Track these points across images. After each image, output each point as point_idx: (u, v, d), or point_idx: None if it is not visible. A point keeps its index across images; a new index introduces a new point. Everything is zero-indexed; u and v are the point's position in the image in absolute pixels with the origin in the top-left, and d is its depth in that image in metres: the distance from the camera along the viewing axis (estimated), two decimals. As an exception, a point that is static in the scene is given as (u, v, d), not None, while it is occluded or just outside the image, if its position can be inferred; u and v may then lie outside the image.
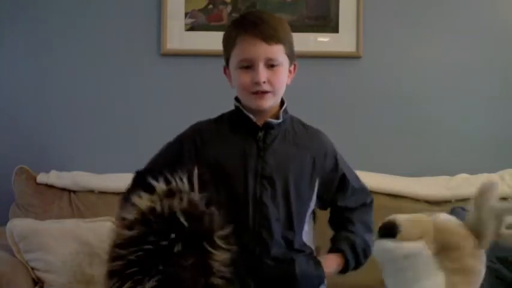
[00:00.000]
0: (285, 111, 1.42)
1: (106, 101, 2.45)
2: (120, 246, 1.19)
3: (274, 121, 1.39)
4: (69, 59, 2.44)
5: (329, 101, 2.42)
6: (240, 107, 1.41)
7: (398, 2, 2.45)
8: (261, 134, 1.38)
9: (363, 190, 1.50)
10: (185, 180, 1.25)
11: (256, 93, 1.35)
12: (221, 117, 1.47)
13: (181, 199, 1.22)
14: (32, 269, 1.98)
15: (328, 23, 2.42)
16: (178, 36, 2.43)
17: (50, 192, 2.25)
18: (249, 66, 1.34)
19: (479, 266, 1.04)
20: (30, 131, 2.44)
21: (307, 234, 1.43)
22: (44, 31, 2.44)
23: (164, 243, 1.16)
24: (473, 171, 2.31)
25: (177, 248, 1.16)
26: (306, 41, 2.39)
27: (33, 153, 2.40)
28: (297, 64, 1.44)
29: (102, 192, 2.24)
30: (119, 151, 2.43)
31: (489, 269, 1.55)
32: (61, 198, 2.24)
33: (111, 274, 1.19)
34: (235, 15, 2.40)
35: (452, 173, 2.32)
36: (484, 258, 1.05)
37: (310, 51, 2.36)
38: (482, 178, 2.26)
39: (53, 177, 2.27)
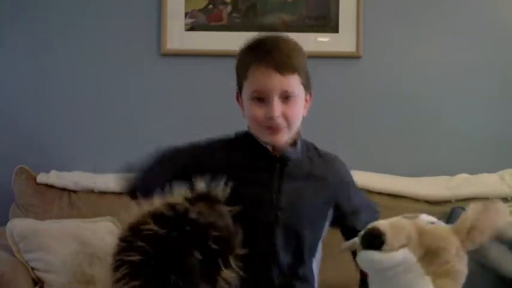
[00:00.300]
0: (300, 139, 1.36)
1: (106, 101, 2.45)
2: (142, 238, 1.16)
3: (291, 153, 1.31)
4: (69, 59, 2.44)
5: (329, 101, 2.42)
6: (257, 137, 1.32)
7: (398, 2, 2.45)
8: (278, 165, 1.31)
9: (371, 207, 1.48)
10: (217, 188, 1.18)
11: (270, 128, 1.26)
12: (230, 143, 1.38)
13: (211, 208, 1.15)
14: (32, 269, 1.98)
15: (328, 23, 2.42)
16: (178, 36, 2.43)
17: (50, 192, 2.25)
18: (262, 98, 1.25)
19: (464, 267, 1.03)
20: (30, 131, 2.44)
21: (318, 262, 1.41)
22: (44, 31, 2.44)
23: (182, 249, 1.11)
24: (473, 171, 2.31)
25: (194, 259, 1.11)
26: (306, 41, 2.35)
27: (33, 153, 2.40)
28: (313, 93, 1.37)
29: (102, 192, 2.24)
30: (119, 151, 2.43)
31: (489, 269, 1.56)
32: (61, 198, 2.24)
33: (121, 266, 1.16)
34: (235, 15, 2.41)
35: (452, 173, 2.32)
36: (466, 259, 1.04)
37: (310, 51, 2.27)
38: (482, 178, 2.27)
39: (53, 177, 2.27)
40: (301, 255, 1.33)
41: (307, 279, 1.36)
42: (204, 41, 2.41)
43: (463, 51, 2.44)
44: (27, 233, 1.99)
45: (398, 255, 1.01)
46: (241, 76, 1.30)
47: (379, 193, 2.15)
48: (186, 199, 1.15)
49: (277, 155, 1.30)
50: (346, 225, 1.42)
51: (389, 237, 1.01)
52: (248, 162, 1.32)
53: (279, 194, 1.30)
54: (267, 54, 1.24)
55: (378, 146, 2.43)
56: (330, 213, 1.39)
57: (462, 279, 1.04)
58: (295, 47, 1.31)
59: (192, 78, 2.44)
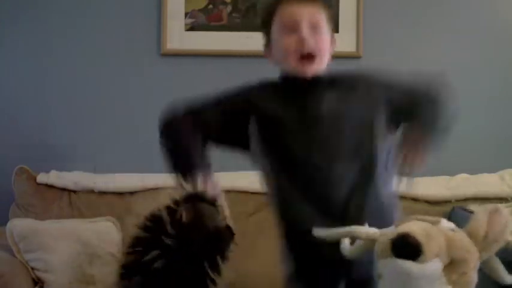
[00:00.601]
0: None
1: (106, 101, 2.45)
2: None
3: (319, 76, 1.31)
4: (69, 59, 2.44)
5: (329, 101, 2.42)
6: (286, 73, 1.34)
7: (398, 2, 2.45)
8: (310, 86, 1.31)
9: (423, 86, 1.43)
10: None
11: (302, 58, 1.28)
12: (262, 82, 1.40)
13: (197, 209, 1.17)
14: (32, 269, 1.98)
15: (328, 23, 2.42)
16: (178, 36, 2.42)
17: (50, 192, 2.25)
18: (292, 29, 1.28)
19: (476, 277, 1.02)
20: (30, 131, 2.44)
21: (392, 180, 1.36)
22: (44, 31, 2.44)
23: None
24: (473, 171, 2.31)
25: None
26: None
27: (33, 153, 2.39)
28: (335, 38, 1.38)
29: (102, 192, 2.24)
30: (119, 151, 2.43)
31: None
32: (61, 198, 2.24)
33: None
34: (235, 15, 2.40)
35: (452, 173, 2.32)
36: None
37: None
38: (482, 178, 2.27)
39: (53, 177, 2.27)
40: (369, 176, 1.28)
41: (379, 199, 1.29)
42: (204, 41, 2.41)
43: (463, 51, 2.44)
44: (27, 233, 1.99)
45: (432, 266, 0.97)
46: (269, 20, 1.33)
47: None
48: (174, 201, 1.16)
49: (308, 78, 1.30)
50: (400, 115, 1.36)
51: (426, 248, 0.96)
52: (283, 90, 1.34)
53: (319, 110, 1.29)
54: None
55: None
56: (383, 119, 1.33)
57: None
58: None
59: (192, 78, 2.44)
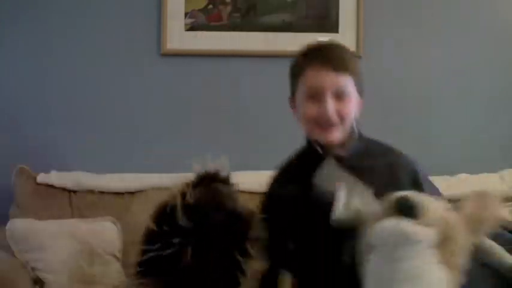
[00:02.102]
0: (358, 138, 1.34)
1: (106, 101, 2.45)
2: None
3: (342, 153, 1.29)
4: (69, 59, 2.44)
5: (329, 101, 2.42)
6: (310, 139, 1.32)
7: (399, 2, 2.45)
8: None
9: None
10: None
11: (323, 126, 1.26)
12: (291, 160, 1.38)
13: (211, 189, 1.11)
14: (32, 269, 1.98)
15: (328, 23, 2.42)
16: (178, 36, 2.42)
17: (50, 192, 2.24)
18: (316, 96, 1.26)
19: (464, 263, 1.01)
20: (30, 131, 2.43)
21: None
22: (44, 31, 2.44)
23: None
24: (473, 171, 2.31)
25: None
26: (306, 41, 2.38)
27: (33, 153, 2.39)
28: (363, 102, 1.37)
29: (102, 192, 2.24)
30: (119, 151, 2.43)
31: (489, 269, 1.55)
32: (61, 198, 2.24)
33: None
34: (235, 15, 2.40)
35: (452, 173, 2.32)
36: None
37: None
38: (482, 178, 2.27)
39: (53, 177, 2.27)
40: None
41: None
42: (204, 41, 2.41)
43: (463, 51, 2.45)
44: (27, 233, 1.99)
45: (429, 232, 0.93)
46: (296, 77, 1.31)
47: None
48: (186, 185, 1.10)
49: (326, 156, 1.27)
50: None
51: (427, 211, 0.93)
52: (302, 168, 1.29)
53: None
54: (321, 55, 1.27)
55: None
56: None
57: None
58: (348, 51, 1.35)
59: (192, 78, 2.43)
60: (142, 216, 2.11)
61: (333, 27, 2.42)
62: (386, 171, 1.31)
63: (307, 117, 1.28)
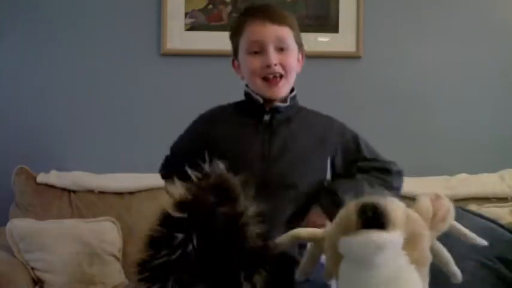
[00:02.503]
0: (294, 98, 1.40)
1: (106, 100, 2.45)
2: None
3: (282, 105, 1.36)
4: (69, 59, 2.44)
5: (329, 101, 2.40)
6: (250, 91, 1.37)
7: (399, 2, 2.45)
8: (267, 117, 1.35)
9: (388, 162, 1.45)
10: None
11: (268, 79, 1.32)
12: (229, 104, 1.45)
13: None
14: (32, 269, 1.98)
15: (328, 23, 2.42)
16: (178, 36, 2.43)
17: (50, 192, 2.24)
18: (258, 51, 1.31)
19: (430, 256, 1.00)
20: (30, 131, 2.44)
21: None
22: (44, 31, 2.44)
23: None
24: (473, 171, 2.31)
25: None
26: (306, 41, 2.32)
27: (33, 153, 2.39)
28: (304, 53, 1.43)
29: (102, 192, 2.24)
30: (119, 151, 2.43)
31: (489, 269, 1.55)
32: (61, 198, 2.24)
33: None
34: (235, 15, 2.40)
35: (452, 173, 2.32)
36: None
37: (310, 51, 2.29)
38: (482, 178, 2.26)
39: (53, 177, 2.27)
40: (301, 209, 1.31)
41: None
42: (204, 41, 2.41)
43: (463, 51, 2.45)
44: (27, 233, 1.99)
45: (399, 236, 0.92)
46: (237, 35, 1.36)
47: (379, 193, 2.15)
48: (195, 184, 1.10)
49: (267, 108, 1.35)
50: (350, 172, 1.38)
51: (392, 216, 0.92)
52: (239, 115, 1.38)
53: (270, 145, 1.32)
54: (260, 11, 1.34)
55: (378, 146, 2.40)
56: (330, 165, 1.38)
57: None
58: (286, 10, 1.42)
59: (192, 78, 2.44)
60: (143, 216, 2.13)
61: (333, 27, 2.42)
62: (323, 126, 1.40)
63: (252, 70, 1.32)
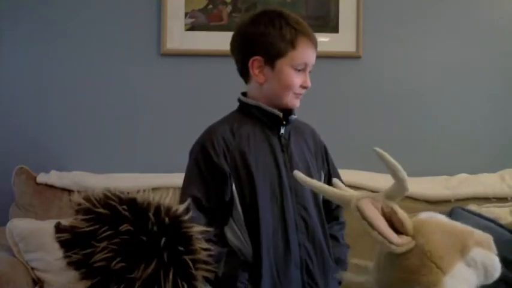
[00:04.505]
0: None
1: (106, 100, 2.45)
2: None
3: (293, 117, 1.45)
4: (70, 59, 2.44)
5: (329, 101, 2.42)
6: (259, 103, 1.43)
7: (398, 2, 2.45)
8: (283, 129, 1.44)
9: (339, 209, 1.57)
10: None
11: (297, 94, 1.42)
12: (233, 117, 1.47)
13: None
14: (32, 269, 1.98)
15: (328, 23, 2.42)
16: (178, 36, 2.42)
17: (50, 192, 2.24)
18: (301, 69, 1.41)
19: None
20: (30, 131, 2.44)
21: None
22: (44, 31, 2.44)
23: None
24: (473, 171, 2.31)
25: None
26: None
27: (33, 153, 2.40)
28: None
29: (102, 192, 2.24)
30: (118, 151, 2.43)
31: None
32: (61, 198, 2.24)
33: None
34: (235, 15, 2.41)
35: (452, 173, 2.32)
36: None
37: None
38: (482, 178, 2.26)
39: (53, 177, 2.27)
40: (321, 212, 1.47)
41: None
42: (204, 41, 2.41)
43: (463, 51, 2.44)
44: (27, 233, 1.99)
45: None
46: (289, 45, 1.38)
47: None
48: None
49: (284, 120, 1.43)
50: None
51: None
52: (256, 129, 1.43)
53: (289, 155, 1.43)
54: (309, 32, 1.43)
55: (378, 146, 2.40)
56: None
57: None
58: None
59: (192, 78, 2.44)
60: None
61: (333, 27, 2.42)
62: (311, 136, 1.54)
63: (291, 85, 1.39)
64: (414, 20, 2.45)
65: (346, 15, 2.41)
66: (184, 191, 1.39)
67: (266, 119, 1.43)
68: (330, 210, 1.52)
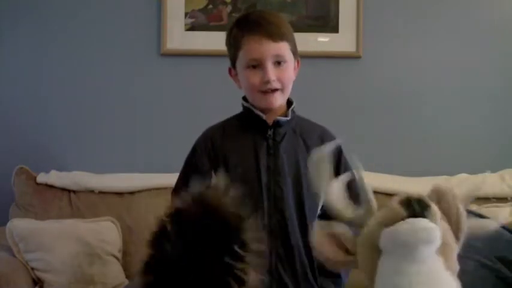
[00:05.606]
0: (293, 111, 1.45)
1: (106, 101, 2.45)
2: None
3: (283, 119, 1.41)
4: (69, 59, 2.44)
5: (329, 101, 2.42)
6: (250, 106, 1.43)
7: (398, 2, 2.45)
8: (270, 132, 1.41)
9: None
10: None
11: (266, 92, 1.37)
12: (229, 120, 1.49)
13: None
14: (32, 269, 1.98)
15: (328, 23, 2.42)
16: (178, 36, 2.42)
17: (50, 192, 2.24)
18: (256, 65, 1.37)
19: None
20: (30, 131, 2.44)
21: None
22: (44, 31, 2.44)
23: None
24: (473, 171, 2.31)
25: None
26: (306, 41, 2.38)
27: (33, 153, 2.40)
28: (300, 60, 1.47)
29: (102, 192, 2.24)
30: (118, 151, 2.43)
31: (489, 269, 1.55)
32: (61, 198, 2.24)
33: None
34: (235, 15, 2.40)
35: (452, 173, 2.32)
36: None
37: (310, 51, 2.35)
38: (482, 178, 2.26)
39: (53, 177, 2.27)
40: (304, 219, 1.40)
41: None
42: (204, 41, 2.41)
43: (463, 51, 2.45)
44: (27, 233, 1.99)
45: (440, 235, 0.86)
46: (235, 49, 1.40)
47: (379, 193, 2.14)
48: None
49: (270, 122, 1.41)
50: None
51: (438, 215, 0.87)
52: (242, 131, 1.43)
53: (275, 159, 1.39)
54: (258, 26, 1.36)
55: (378, 146, 2.43)
56: None
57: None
58: (282, 18, 1.48)
59: (192, 78, 2.44)
60: (142, 216, 2.13)
61: (333, 27, 2.42)
62: (319, 138, 1.46)
63: (251, 85, 1.38)
64: (414, 20, 2.45)
65: (346, 15, 2.41)
66: (173, 188, 1.45)
67: (253, 121, 1.42)
68: None
